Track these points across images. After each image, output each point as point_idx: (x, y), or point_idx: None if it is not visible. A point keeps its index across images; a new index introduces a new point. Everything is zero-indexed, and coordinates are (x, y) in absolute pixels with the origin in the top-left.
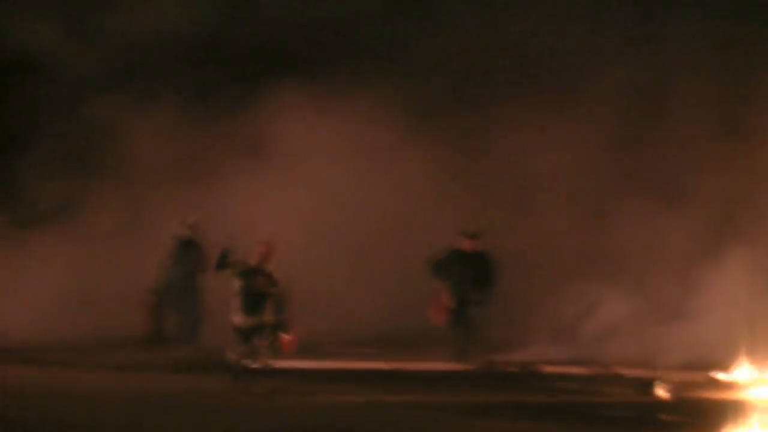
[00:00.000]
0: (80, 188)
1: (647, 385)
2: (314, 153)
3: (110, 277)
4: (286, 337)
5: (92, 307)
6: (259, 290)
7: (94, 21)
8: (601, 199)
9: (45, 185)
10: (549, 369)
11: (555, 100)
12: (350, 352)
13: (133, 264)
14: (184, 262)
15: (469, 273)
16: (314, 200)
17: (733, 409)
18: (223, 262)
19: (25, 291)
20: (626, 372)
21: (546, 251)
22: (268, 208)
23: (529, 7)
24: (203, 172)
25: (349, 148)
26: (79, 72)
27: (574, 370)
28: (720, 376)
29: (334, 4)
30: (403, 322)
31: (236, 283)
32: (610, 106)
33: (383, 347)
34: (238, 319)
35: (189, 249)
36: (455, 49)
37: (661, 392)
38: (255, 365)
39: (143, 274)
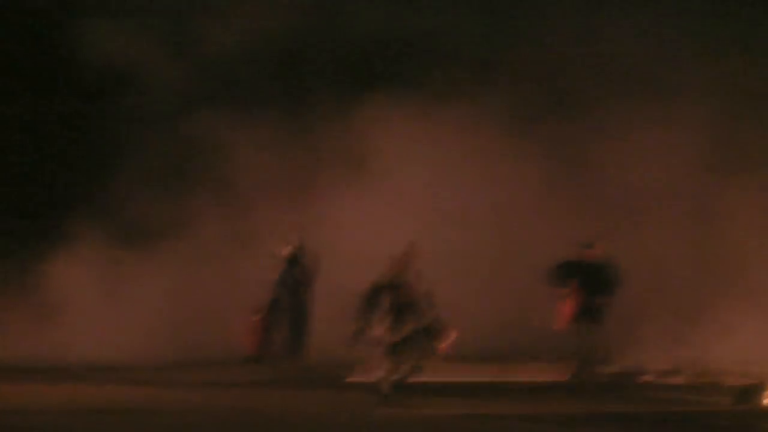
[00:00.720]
0: (180, 206)
1: (748, 393)
2: (414, 164)
3: (213, 296)
4: (439, 343)
5: (195, 327)
6: (404, 301)
7: (190, 35)
8: (708, 203)
9: (145, 204)
10: (649, 378)
11: (656, 106)
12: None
13: (236, 282)
14: (288, 280)
15: (593, 280)
16: (415, 212)
17: None
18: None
19: (127, 311)
20: (728, 380)
21: (655, 261)
22: (370, 220)
23: (628, 14)
24: (304, 186)
25: (448, 159)
26: (176, 87)
27: (676, 379)
28: None
29: (431, 15)
30: (513, 335)
31: (383, 299)
32: (712, 108)
33: (491, 361)
34: (385, 333)
35: (293, 267)
36: (553, 56)
37: (765, 400)
38: (403, 379)
39: (246, 292)
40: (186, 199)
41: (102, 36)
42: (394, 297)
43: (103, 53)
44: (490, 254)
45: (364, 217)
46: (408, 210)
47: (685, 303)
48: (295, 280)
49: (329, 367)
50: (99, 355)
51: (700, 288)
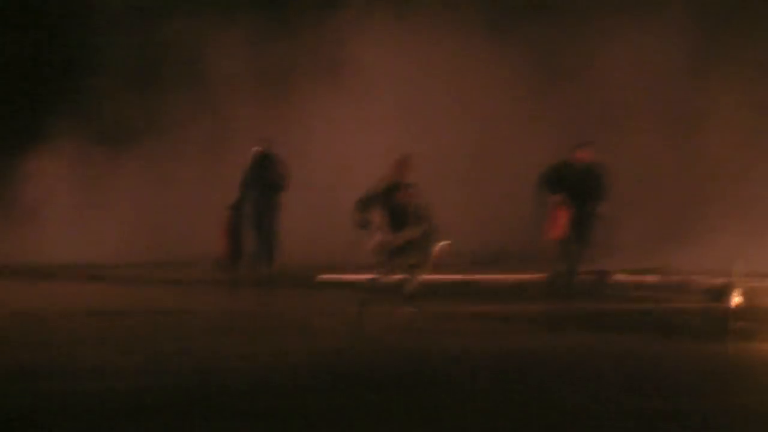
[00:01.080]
0: (156, 107)
1: (719, 292)
2: (391, 69)
3: (189, 195)
4: (437, 247)
5: (172, 226)
6: (402, 204)
7: None
8: (694, 113)
9: (121, 104)
10: (622, 278)
11: (641, 11)
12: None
13: (212, 182)
14: (261, 178)
15: (583, 186)
16: (393, 116)
17: None
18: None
19: (104, 211)
20: (700, 279)
21: (637, 166)
22: (346, 124)
23: None
24: (280, 88)
25: (425, 64)
26: None
27: (648, 278)
28: None
29: None
30: (503, 240)
31: (378, 202)
32: (699, 17)
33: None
34: (385, 236)
35: (265, 165)
36: None
37: (735, 300)
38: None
39: (221, 192)
40: (162, 100)
41: None
42: (391, 201)
43: None
44: (467, 159)
45: (340, 121)
46: (386, 114)
47: (666, 208)
48: (264, 183)
49: (300, 267)
50: (77, 255)
51: (682, 192)
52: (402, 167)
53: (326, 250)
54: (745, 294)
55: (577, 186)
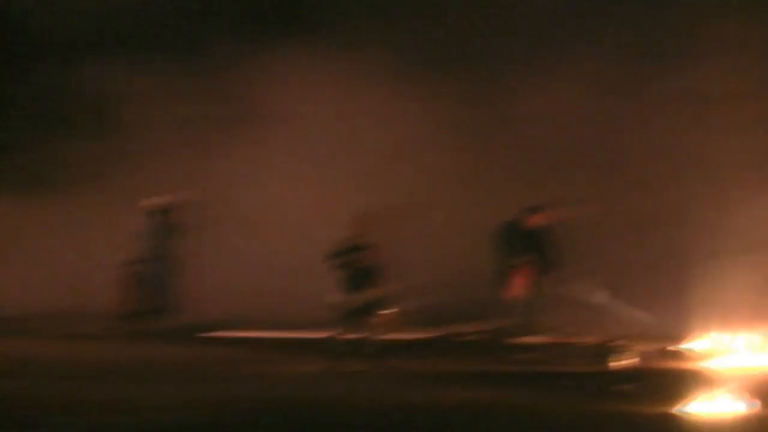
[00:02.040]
0: (73, 157)
1: (608, 354)
2: (313, 114)
3: (102, 249)
4: (394, 310)
5: (82, 278)
6: (364, 265)
7: None
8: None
9: (34, 154)
10: (513, 339)
11: (566, 49)
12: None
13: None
14: (157, 233)
15: (540, 253)
16: (314, 163)
17: (691, 379)
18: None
19: (18, 262)
20: (588, 341)
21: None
22: (268, 171)
23: None
24: (199, 137)
25: (351, 110)
26: (72, 33)
27: (536, 340)
28: (682, 346)
29: None
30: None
31: (338, 262)
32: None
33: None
34: (344, 297)
35: (162, 220)
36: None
37: (623, 362)
38: (367, 342)
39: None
40: (78, 150)
41: None
42: (353, 262)
43: None
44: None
45: (263, 167)
46: (307, 162)
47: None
48: (165, 234)
49: (197, 322)
50: None
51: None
52: (364, 225)
53: (241, 303)
54: (636, 355)
55: (537, 252)
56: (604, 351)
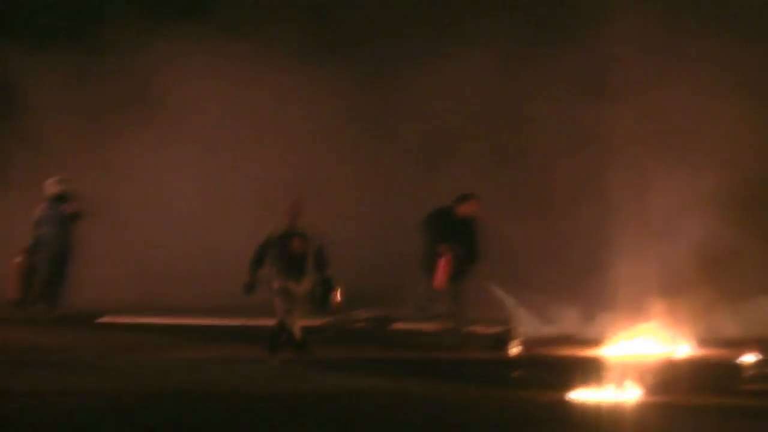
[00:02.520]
0: None
1: (501, 341)
2: (208, 102)
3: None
4: (335, 293)
5: None
6: (296, 252)
7: None
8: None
9: None
10: (403, 326)
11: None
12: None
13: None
14: (51, 221)
15: (462, 239)
16: (209, 149)
17: (583, 366)
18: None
19: None
20: (481, 329)
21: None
22: (161, 159)
23: None
24: (93, 126)
25: (244, 96)
26: None
27: (428, 326)
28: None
29: None
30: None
31: (272, 250)
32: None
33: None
34: (280, 282)
35: (56, 207)
36: None
37: (514, 349)
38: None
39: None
40: None
41: None
42: (285, 251)
43: None
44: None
45: (156, 156)
46: (201, 148)
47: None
48: (59, 221)
49: (90, 308)
50: None
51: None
52: (294, 211)
53: (132, 290)
54: (524, 343)
55: (459, 239)
56: (500, 339)
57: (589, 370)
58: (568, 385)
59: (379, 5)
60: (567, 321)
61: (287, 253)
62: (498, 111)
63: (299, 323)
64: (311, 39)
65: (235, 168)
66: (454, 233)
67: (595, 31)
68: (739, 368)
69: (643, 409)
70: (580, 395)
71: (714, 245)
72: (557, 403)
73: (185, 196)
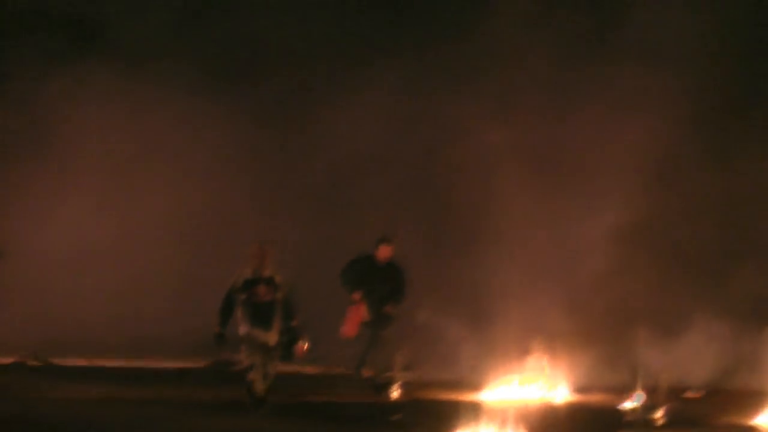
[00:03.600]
0: None
1: (381, 386)
2: (108, 135)
3: None
4: (301, 344)
5: None
6: (262, 300)
7: None
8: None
9: None
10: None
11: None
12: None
13: None
14: None
15: (384, 284)
16: (106, 184)
17: (463, 410)
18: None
19: None
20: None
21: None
22: (58, 195)
23: None
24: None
25: (145, 130)
26: None
27: (309, 369)
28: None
29: None
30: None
31: (239, 297)
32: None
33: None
34: (246, 330)
35: None
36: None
37: (394, 393)
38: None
39: None
40: None
41: None
42: (251, 297)
43: None
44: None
45: (53, 192)
46: (99, 181)
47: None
48: None
49: None
50: None
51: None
52: (260, 256)
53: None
54: (405, 387)
55: (377, 284)
56: (379, 383)
57: (468, 415)
58: (446, 429)
59: (280, 42)
60: (456, 364)
61: (253, 300)
62: (401, 147)
63: (265, 377)
64: (211, 73)
65: (136, 201)
66: (375, 279)
67: (499, 65)
68: (619, 414)
69: None
70: None
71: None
72: None
73: (91, 235)
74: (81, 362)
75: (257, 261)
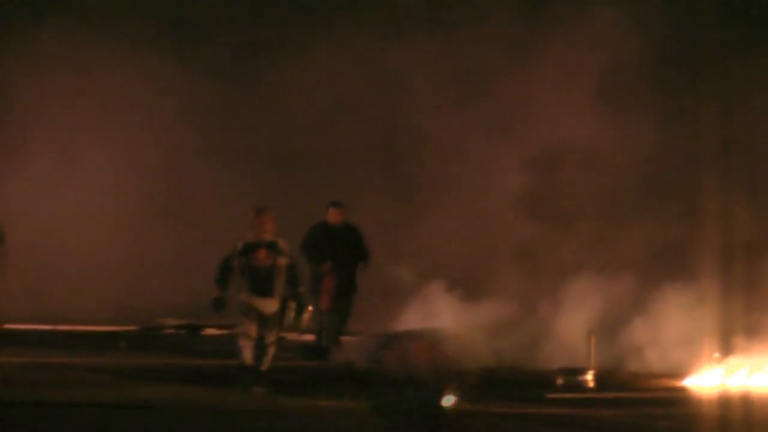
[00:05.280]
0: None
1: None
2: (62, 94)
3: None
4: (306, 313)
5: None
6: (263, 265)
7: None
8: None
9: None
10: (213, 332)
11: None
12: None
13: None
14: None
15: (345, 248)
16: (61, 141)
17: None
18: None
19: None
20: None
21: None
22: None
23: None
24: None
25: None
26: None
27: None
28: None
29: None
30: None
31: (239, 262)
32: None
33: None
34: (243, 298)
35: None
36: None
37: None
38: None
39: None
40: None
41: None
42: (250, 263)
43: None
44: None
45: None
46: (53, 138)
47: None
48: None
49: None
50: None
51: None
52: (261, 222)
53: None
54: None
55: (340, 250)
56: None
57: None
58: None
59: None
60: None
61: (253, 264)
62: (358, 105)
63: (262, 347)
64: (166, 33)
65: (87, 165)
66: (335, 244)
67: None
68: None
69: None
70: None
71: None
72: None
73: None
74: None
75: (257, 225)
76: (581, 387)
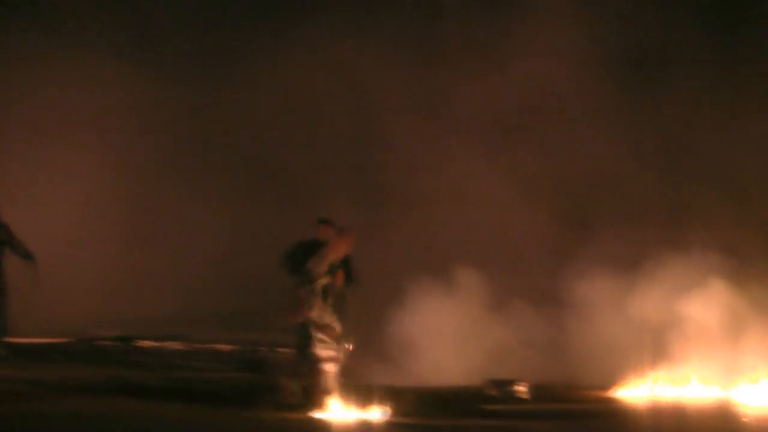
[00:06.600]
0: None
1: (256, 363)
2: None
3: None
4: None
5: None
6: (337, 288)
7: None
8: None
9: None
10: (148, 344)
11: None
12: None
13: None
14: None
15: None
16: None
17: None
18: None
19: None
20: (226, 348)
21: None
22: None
23: None
24: None
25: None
26: None
27: (174, 345)
28: None
29: None
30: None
31: (318, 283)
32: None
33: None
34: (325, 320)
35: None
36: None
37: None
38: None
39: None
40: None
41: None
42: (330, 282)
43: None
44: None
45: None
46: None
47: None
48: None
49: None
50: None
51: None
52: (344, 242)
53: None
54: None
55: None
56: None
57: None
58: None
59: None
60: None
61: (331, 287)
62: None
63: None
64: (130, 36)
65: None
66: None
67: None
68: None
69: None
70: None
71: None
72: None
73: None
74: None
75: (342, 246)
76: (515, 398)
